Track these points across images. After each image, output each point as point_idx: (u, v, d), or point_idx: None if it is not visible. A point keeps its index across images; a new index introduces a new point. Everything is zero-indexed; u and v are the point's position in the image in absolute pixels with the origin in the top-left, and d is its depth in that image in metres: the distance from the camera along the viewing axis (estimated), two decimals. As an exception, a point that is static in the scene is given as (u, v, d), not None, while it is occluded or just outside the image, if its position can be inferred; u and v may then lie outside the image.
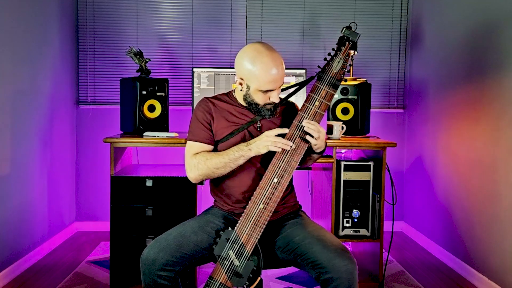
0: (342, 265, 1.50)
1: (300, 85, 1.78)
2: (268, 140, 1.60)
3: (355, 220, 2.55)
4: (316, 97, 1.62)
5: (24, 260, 2.77)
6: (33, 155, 2.90)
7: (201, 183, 2.38)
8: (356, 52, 1.64)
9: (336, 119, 2.73)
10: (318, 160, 2.24)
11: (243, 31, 3.58)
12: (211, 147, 1.75)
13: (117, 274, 2.44)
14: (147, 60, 2.72)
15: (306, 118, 1.62)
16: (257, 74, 1.62)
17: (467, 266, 2.76)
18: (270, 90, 1.66)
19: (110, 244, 2.43)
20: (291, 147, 1.60)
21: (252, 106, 1.71)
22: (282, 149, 1.61)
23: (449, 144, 3.02)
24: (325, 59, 1.66)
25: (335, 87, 1.63)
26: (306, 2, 3.59)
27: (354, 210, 2.54)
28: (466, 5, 2.85)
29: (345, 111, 2.74)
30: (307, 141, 1.63)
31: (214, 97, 1.81)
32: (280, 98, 1.72)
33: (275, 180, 1.59)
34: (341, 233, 2.55)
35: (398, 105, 3.72)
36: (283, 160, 1.60)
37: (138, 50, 2.71)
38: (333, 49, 1.65)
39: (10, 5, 2.59)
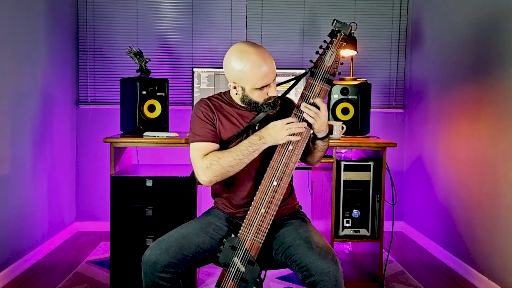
0: (325, 267, 1.47)
1: (294, 81, 1.73)
2: (285, 130, 1.55)
3: (355, 220, 2.55)
4: (310, 94, 1.58)
5: (24, 260, 2.77)
6: (33, 155, 2.89)
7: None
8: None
9: (336, 119, 2.73)
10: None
11: (243, 31, 3.58)
12: (218, 146, 1.67)
13: (117, 274, 2.44)
14: (147, 60, 2.72)
15: (301, 116, 1.59)
16: (248, 74, 1.58)
17: (467, 266, 2.76)
18: (266, 86, 1.61)
19: (110, 244, 2.43)
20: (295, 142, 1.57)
21: (252, 106, 1.67)
22: (279, 150, 1.58)
23: (449, 144, 3.02)
24: (317, 52, 1.60)
25: (329, 82, 1.57)
26: (306, 2, 3.59)
27: (354, 210, 2.54)
28: (466, 4, 2.85)
29: (345, 111, 2.74)
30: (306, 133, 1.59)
31: (213, 97, 1.76)
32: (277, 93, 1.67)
33: (275, 183, 1.57)
34: (341, 233, 2.55)
35: (398, 105, 3.72)
36: (281, 163, 1.57)
37: (138, 50, 2.71)
38: (325, 41, 1.60)
39: (9, 5, 2.59)
